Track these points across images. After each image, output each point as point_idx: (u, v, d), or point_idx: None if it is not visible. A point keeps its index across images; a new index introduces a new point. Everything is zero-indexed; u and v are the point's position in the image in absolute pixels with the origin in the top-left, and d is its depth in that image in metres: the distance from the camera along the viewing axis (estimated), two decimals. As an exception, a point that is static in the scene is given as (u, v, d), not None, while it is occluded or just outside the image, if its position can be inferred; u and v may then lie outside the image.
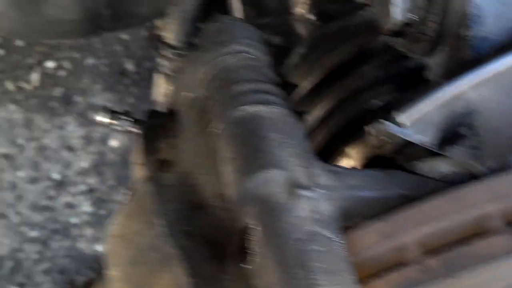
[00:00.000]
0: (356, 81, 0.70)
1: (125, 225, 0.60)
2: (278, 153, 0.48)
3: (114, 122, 0.73)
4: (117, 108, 0.74)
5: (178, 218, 0.54)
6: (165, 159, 0.64)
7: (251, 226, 0.48)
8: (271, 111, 0.50)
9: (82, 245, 1.80)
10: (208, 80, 0.53)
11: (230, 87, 0.51)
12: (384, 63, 0.69)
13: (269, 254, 0.46)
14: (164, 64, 0.70)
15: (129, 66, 1.96)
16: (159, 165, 0.62)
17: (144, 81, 1.94)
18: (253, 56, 0.54)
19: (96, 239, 1.80)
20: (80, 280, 1.79)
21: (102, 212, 1.83)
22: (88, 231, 1.82)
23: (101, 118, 0.73)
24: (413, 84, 0.66)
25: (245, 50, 0.54)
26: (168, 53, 0.68)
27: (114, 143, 1.90)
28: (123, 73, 1.95)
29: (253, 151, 0.48)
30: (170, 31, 0.67)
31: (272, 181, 0.47)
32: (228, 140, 0.50)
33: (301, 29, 0.83)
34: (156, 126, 0.69)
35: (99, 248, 1.79)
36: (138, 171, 0.68)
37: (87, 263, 1.80)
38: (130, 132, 0.73)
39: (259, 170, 0.47)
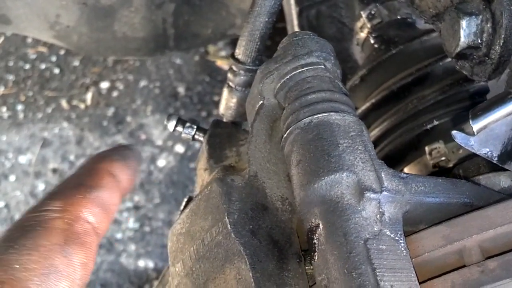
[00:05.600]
0: (416, 103, 0.72)
1: (190, 222, 0.62)
2: (347, 157, 0.49)
3: (180, 129, 0.75)
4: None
5: (244, 218, 0.56)
6: (230, 164, 0.67)
7: (316, 225, 0.49)
8: (342, 118, 0.51)
9: (125, 260, 1.83)
10: (284, 90, 0.55)
11: (304, 97, 0.53)
12: (444, 87, 0.71)
13: (333, 251, 0.47)
14: (232, 78, 0.72)
15: (180, 89, 2.00)
16: (226, 170, 0.64)
17: (194, 104, 1.98)
18: (328, 68, 0.56)
19: (139, 255, 1.82)
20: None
21: (146, 229, 1.85)
22: (132, 247, 1.84)
23: (168, 124, 0.75)
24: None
25: (321, 63, 0.56)
26: (236, 68, 0.71)
27: (161, 163, 1.93)
28: (174, 96, 1.99)
29: (323, 155, 0.50)
30: (240, 47, 0.70)
31: (340, 183, 0.48)
32: (299, 145, 0.51)
33: (361, 53, 0.86)
34: (221, 135, 0.72)
35: (141, 263, 1.80)
36: (201, 176, 0.71)
37: (129, 277, 1.81)
38: (194, 139, 0.76)
39: (328, 173, 0.49)
